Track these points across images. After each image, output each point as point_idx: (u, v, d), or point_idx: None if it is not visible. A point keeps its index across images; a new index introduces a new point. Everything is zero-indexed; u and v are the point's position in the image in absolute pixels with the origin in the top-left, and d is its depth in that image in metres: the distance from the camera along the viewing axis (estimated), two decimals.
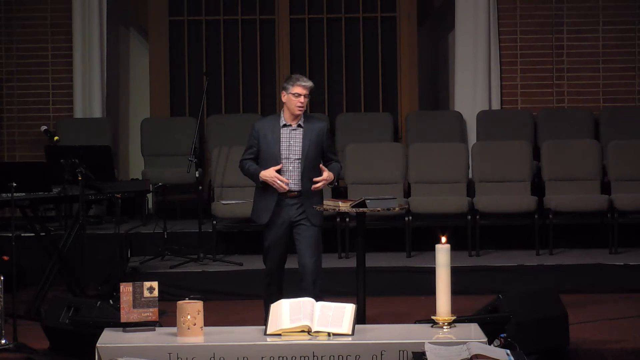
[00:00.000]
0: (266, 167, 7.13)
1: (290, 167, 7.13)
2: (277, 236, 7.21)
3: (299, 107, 7.10)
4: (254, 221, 7.35)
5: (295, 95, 7.10)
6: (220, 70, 11.69)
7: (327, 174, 7.08)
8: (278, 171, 7.10)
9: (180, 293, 8.54)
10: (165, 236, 9.76)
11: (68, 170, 8.02)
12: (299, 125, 7.16)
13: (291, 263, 7.38)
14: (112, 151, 8.91)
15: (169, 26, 11.74)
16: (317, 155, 7.17)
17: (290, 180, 7.13)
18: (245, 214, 9.82)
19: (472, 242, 9.72)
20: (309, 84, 7.17)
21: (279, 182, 7.07)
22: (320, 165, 7.12)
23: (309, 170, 7.12)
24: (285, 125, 7.16)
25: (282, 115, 7.20)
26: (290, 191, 7.13)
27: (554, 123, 11.10)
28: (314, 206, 7.12)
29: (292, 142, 7.14)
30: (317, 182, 7.07)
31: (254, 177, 7.18)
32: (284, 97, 7.16)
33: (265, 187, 7.17)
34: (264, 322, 6.22)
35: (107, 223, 10.54)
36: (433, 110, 11.72)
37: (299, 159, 7.13)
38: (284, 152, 7.12)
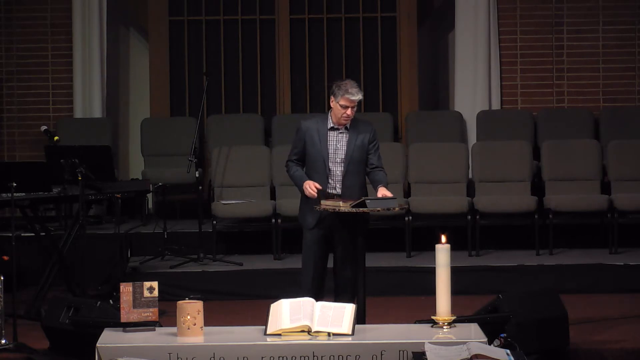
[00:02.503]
0: (312, 169, 7.05)
1: (336, 171, 7.04)
2: (317, 240, 7.08)
3: (345, 118, 7.00)
4: (301, 225, 7.19)
5: (342, 106, 6.97)
6: (220, 70, 11.69)
7: (383, 192, 6.94)
8: (324, 175, 7.01)
9: (180, 293, 8.52)
10: (165, 236, 9.76)
11: (68, 170, 8.02)
12: (346, 128, 7.06)
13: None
14: (112, 151, 8.91)
15: (169, 26, 11.74)
16: (361, 159, 7.06)
17: (333, 185, 7.05)
18: (246, 214, 9.86)
19: (472, 242, 9.72)
20: (357, 97, 6.97)
21: (314, 194, 6.95)
22: (381, 187, 6.97)
23: (351, 174, 7.04)
24: (332, 129, 7.07)
25: (329, 117, 7.09)
26: (334, 195, 7.03)
27: (554, 123, 11.10)
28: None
29: (338, 145, 7.05)
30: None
31: (298, 185, 7.10)
32: (332, 102, 7.03)
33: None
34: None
35: (107, 223, 10.54)
36: (433, 110, 11.71)
37: (342, 162, 7.04)
38: (331, 156, 7.04)
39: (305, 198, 7.11)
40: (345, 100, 6.94)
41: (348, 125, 7.06)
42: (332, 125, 7.07)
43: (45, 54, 11.45)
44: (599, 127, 11.12)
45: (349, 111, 6.96)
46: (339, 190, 7.04)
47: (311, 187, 6.97)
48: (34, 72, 11.44)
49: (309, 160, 7.09)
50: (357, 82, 7.13)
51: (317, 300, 6.44)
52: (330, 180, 7.04)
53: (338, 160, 7.06)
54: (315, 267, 7.11)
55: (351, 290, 7.10)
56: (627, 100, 11.35)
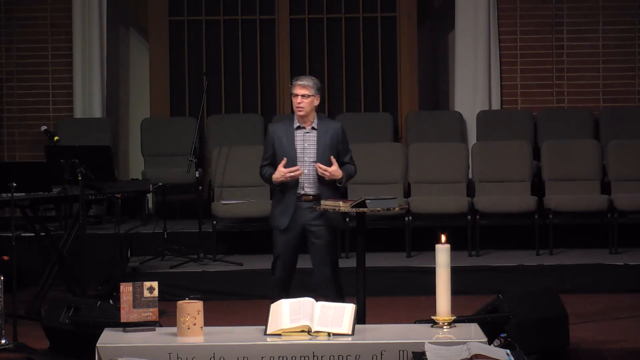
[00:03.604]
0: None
1: (306, 171, 7.06)
2: (289, 241, 7.15)
3: (297, 107, 7.04)
4: (272, 227, 7.24)
5: (294, 95, 7.07)
6: (220, 70, 11.69)
7: (334, 167, 6.97)
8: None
9: (180, 293, 8.53)
10: (165, 236, 9.76)
11: (68, 170, 8.02)
12: (313, 128, 7.09)
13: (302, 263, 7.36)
14: (112, 151, 8.91)
15: (169, 26, 11.74)
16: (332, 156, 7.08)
17: (306, 185, 7.08)
18: (245, 214, 9.86)
19: (472, 242, 9.72)
20: (304, 82, 7.06)
21: (290, 174, 6.99)
22: (332, 157, 7.01)
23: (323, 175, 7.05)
24: (299, 128, 7.11)
25: (295, 117, 7.14)
26: (306, 195, 7.07)
27: (554, 123, 11.10)
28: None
29: (306, 144, 7.08)
30: (322, 169, 6.95)
31: (270, 182, 7.13)
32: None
33: (283, 192, 7.11)
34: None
35: (107, 223, 10.54)
36: (433, 110, 11.71)
37: (313, 162, 7.05)
38: (299, 156, 7.06)
39: (277, 199, 7.14)
40: (295, 88, 7.04)
41: (315, 125, 7.08)
42: (298, 124, 7.10)
43: (45, 54, 11.45)
44: (599, 127, 11.12)
45: (298, 99, 7.00)
46: (307, 190, 7.07)
47: (283, 174, 6.97)
48: (34, 72, 11.44)
49: (278, 161, 7.07)
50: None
51: (286, 293, 6.75)
52: (302, 180, 7.06)
53: (307, 159, 7.07)
54: (284, 266, 7.17)
55: (335, 287, 7.14)
56: (627, 100, 11.35)
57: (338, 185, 7.12)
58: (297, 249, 7.20)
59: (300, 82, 7.06)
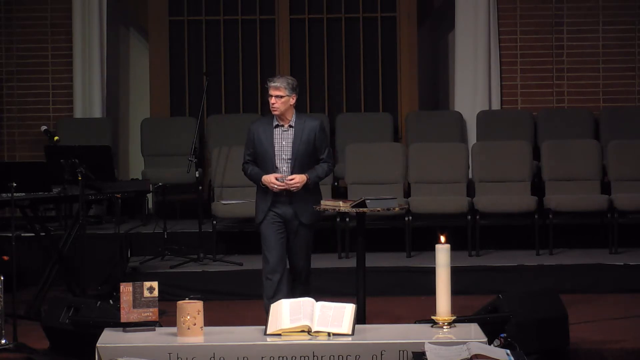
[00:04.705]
0: (263, 168, 7.26)
1: (284, 168, 7.23)
2: (272, 235, 7.27)
3: (272, 108, 7.22)
4: (255, 222, 7.43)
5: (269, 96, 7.24)
6: (220, 70, 11.69)
7: (296, 178, 7.14)
8: (272, 172, 7.21)
9: (180, 293, 8.53)
10: (165, 236, 9.76)
11: (68, 170, 8.02)
12: (290, 126, 7.25)
13: None
14: (112, 151, 8.91)
15: (169, 26, 11.74)
16: (310, 154, 7.24)
17: (280, 180, 7.21)
18: (245, 214, 9.85)
19: (472, 242, 9.72)
20: (276, 84, 7.21)
21: (275, 185, 7.19)
22: (288, 177, 7.17)
23: (300, 170, 7.20)
24: (277, 126, 7.27)
25: (275, 116, 7.29)
26: (283, 190, 7.21)
27: (554, 123, 11.10)
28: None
29: (283, 142, 7.23)
30: (286, 184, 7.14)
31: (257, 181, 7.31)
32: None
33: (265, 189, 7.28)
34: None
35: (107, 223, 10.54)
36: (433, 110, 11.71)
37: (290, 159, 7.22)
38: (277, 153, 7.23)
39: (259, 196, 7.33)
40: (269, 90, 7.21)
41: (293, 122, 7.23)
42: (276, 122, 7.26)
43: (45, 54, 11.45)
44: (599, 127, 11.12)
45: (272, 100, 7.17)
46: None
47: (272, 180, 7.18)
48: (34, 72, 11.44)
49: (258, 159, 7.30)
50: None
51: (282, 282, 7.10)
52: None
53: (285, 157, 7.24)
54: (275, 252, 7.27)
55: (305, 280, 7.37)
56: (627, 100, 11.35)
57: (309, 187, 7.26)
58: (283, 243, 7.31)
59: (273, 84, 7.23)
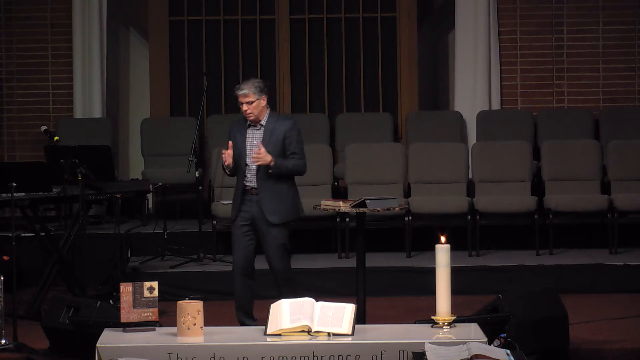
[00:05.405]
0: (238, 166, 7.39)
1: (253, 166, 7.33)
2: (241, 233, 7.36)
3: (246, 114, 7.36)
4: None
5: (239, 103, 7.39)
6: (220, 70, 11.69)
7: (262, 150, 7.20)
8: (243, 170, 7.33)
9: (180, 293, 8.55)
10: (165, 236, 9.76)
11: (68, 170, 8.03)
12: (261, 125, 7.40)
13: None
14: (112, 151, 8.91)
15: (169, 26, 11.73)
16: (278, 154, 7.30)
17: (250, 178, 7.35)
18: None
19: (472, 242, 9.72)
20: (243, 91, 7.35)
21: (224, 156, 7.32)
22: (259, 142, 7.26)
23: (266, 169, 7.27)
24: (250, 126, 7.43)
25: None
26: (247, 187, 7.35)
27: (554, 123, 11.10)
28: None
29: (254, 141, 7.35)
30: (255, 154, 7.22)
31: (232, 175, 7.48)
32: None
33: (237, 186, 7.41)
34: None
35: (107, 223, 10.54)
36: (433, 110, 11.71)
37: None
38: (248, 151, 7.37)
39: (235, 194, 7.44)
40: (238, 98, 7.38)
41: (264, 122, 7.39)
42: (249, 123, 7.42)
43: (45, 54, 11.45)
44: (599, 127, 11.12)
45: (244, 107, 7.35)
46: (255, 184, 7.32)
47: (222, 151, 7.35)
48: (34, 72, 11.44)
49: (234, 159, 7.39)
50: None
51: (249, 282, 7.27)
52: (247, 174, 7.37)
53: (254, 154, 7.31)
54: (241, 256, 7.36)
55: (289, 282, 7.42)
56: (627, 100, 11.35)
57: (270, 171, 7.29)
58: (251, 242, 7.38)
59: (241, 92, 7.38)
